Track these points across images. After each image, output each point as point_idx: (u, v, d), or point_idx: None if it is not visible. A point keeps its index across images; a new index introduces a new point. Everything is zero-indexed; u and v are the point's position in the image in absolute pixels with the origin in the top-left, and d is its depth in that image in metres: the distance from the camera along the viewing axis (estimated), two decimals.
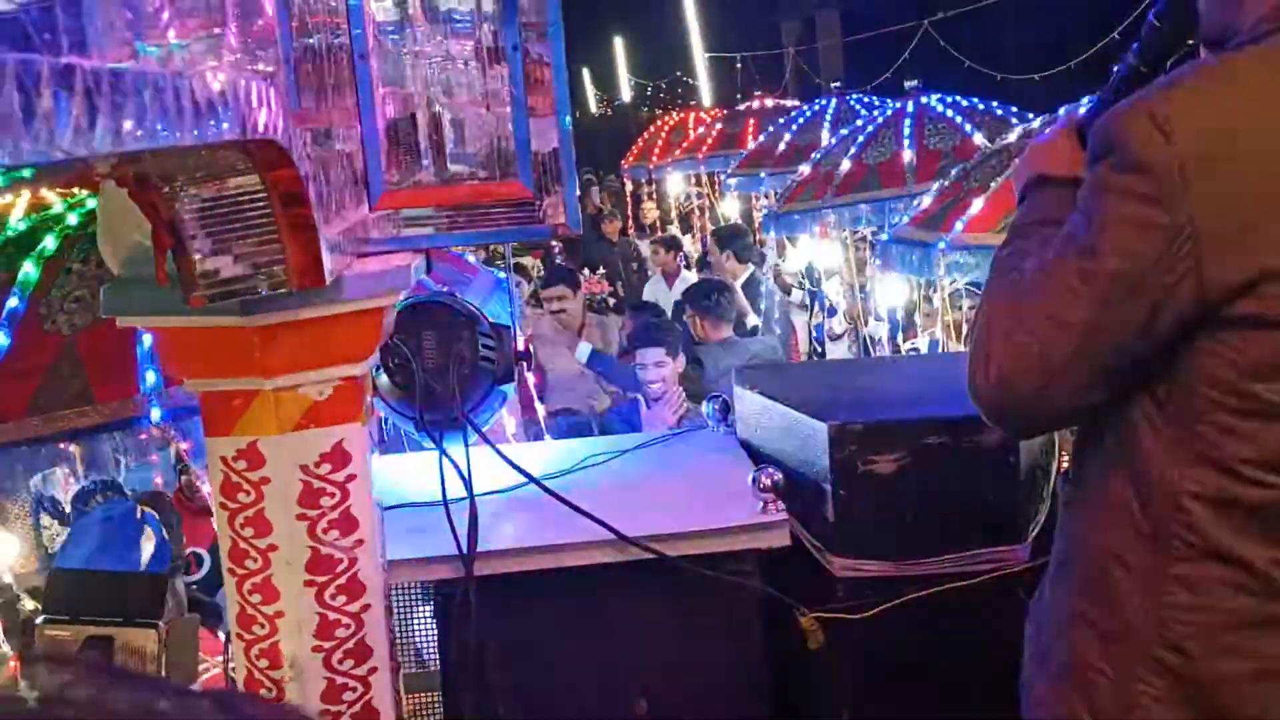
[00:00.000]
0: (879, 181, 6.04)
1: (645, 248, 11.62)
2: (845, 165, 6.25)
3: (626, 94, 23.93)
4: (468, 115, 2.07)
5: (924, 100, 6.43)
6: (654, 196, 13.80)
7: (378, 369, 2.36)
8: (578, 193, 2.08)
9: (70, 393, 3.19)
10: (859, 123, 6.97)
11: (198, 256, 1.50)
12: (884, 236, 5.80)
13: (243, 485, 1.85)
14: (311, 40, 1.86)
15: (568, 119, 2.04)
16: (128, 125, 0.91)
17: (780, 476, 2.41)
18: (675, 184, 13.20)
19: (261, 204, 1.49)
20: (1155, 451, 1.37)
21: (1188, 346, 1.31)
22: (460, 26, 2.08)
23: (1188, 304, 1.28)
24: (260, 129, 1.27)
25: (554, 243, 11.04)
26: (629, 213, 13.83)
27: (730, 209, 11.61)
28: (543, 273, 8.89)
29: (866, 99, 8.87)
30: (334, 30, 1.94)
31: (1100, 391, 1.38)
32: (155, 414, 3.09)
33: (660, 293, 9.58)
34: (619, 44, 23.48)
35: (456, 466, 2.30)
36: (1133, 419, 1.39)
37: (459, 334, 2.38)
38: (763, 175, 8.91)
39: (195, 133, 1.06)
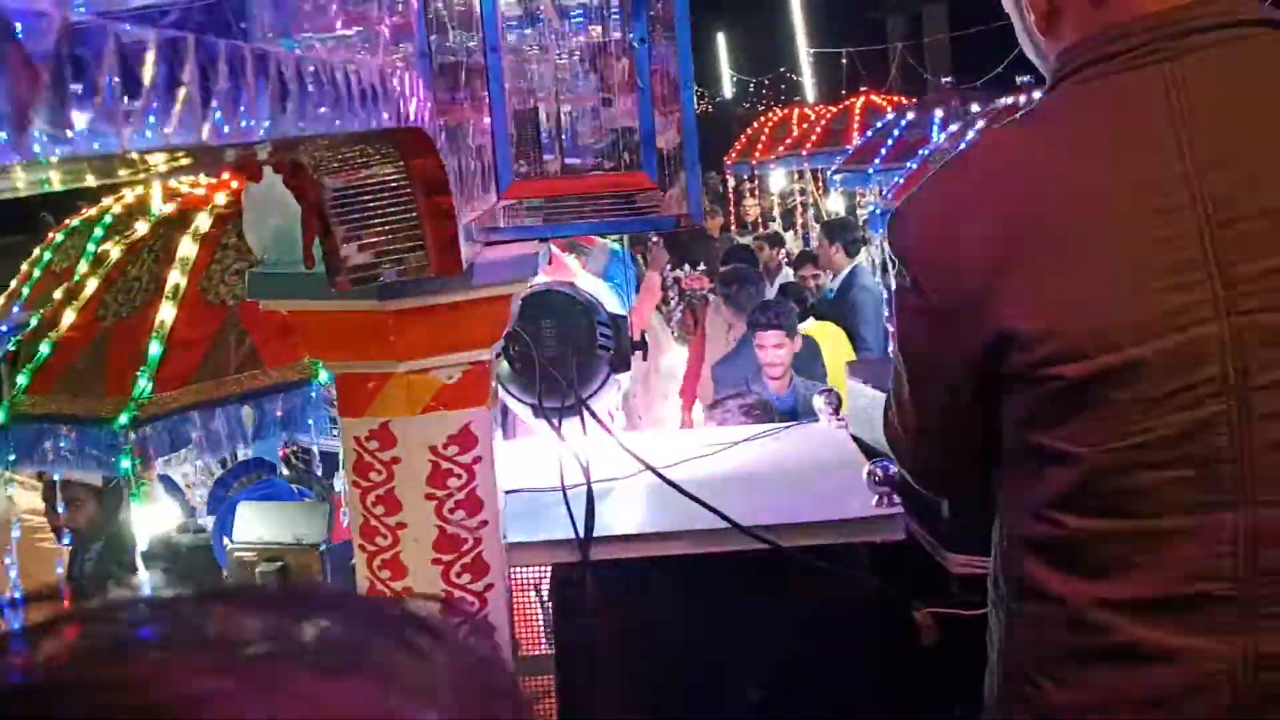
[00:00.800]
0: None
1: (749, 243, 11.59)
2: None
3: (728, 91, 23.89)
4: (592, 107, 2.10)
5: (1035, 95, 6.30)
6: (756, 193, 13.77)
7: (498, 355, 2.41)
8: (700, 184, 2.10)
9: (239, 358, 3.35)
10: (969, 118, 6.87)
11: (344, 242, 1.55)
12: None
13: (374, 464, 1.91)
14: (444, 34, 1.91)
15: (693, 110, 2.06)
16: (294, 110, 0.96)
17: (895, 470, 2.40)
18: (778, 181, 13.15)
19: (404, 191, 1.54)
20: (1000, 499, 1.46)
21: (997, 404, 1.37)
22: (584, 20, 2.12)
23: (966, 370, 1.36)
24: (410, 118, 1.32)
25: (654, 238, 11.08)
26: (730, 209, 13.82)
27: (835, 205, 11.53)
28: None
29: (979, 95, 8.73)
30: (465, 23, 1.99)
31: (964, 460, 1.49)
32: (324, 375, 3.22)
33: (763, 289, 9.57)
34: (721, 40, 23.44)
35: (576, 456, 2.34)
36: (996, 473, 1.47)
37: (577, 322, 2.42)
38: (870, 171, 8.84)
39: (355, 120, 1.10)
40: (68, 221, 5.41)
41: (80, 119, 0.55)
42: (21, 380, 3.42)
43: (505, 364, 2.43)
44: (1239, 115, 1.23)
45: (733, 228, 13.27)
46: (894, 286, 1.45)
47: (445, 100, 1.92)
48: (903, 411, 1.51)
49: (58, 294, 3.90)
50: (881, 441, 2.76)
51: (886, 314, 6.78)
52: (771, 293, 9.44)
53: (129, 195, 5.11)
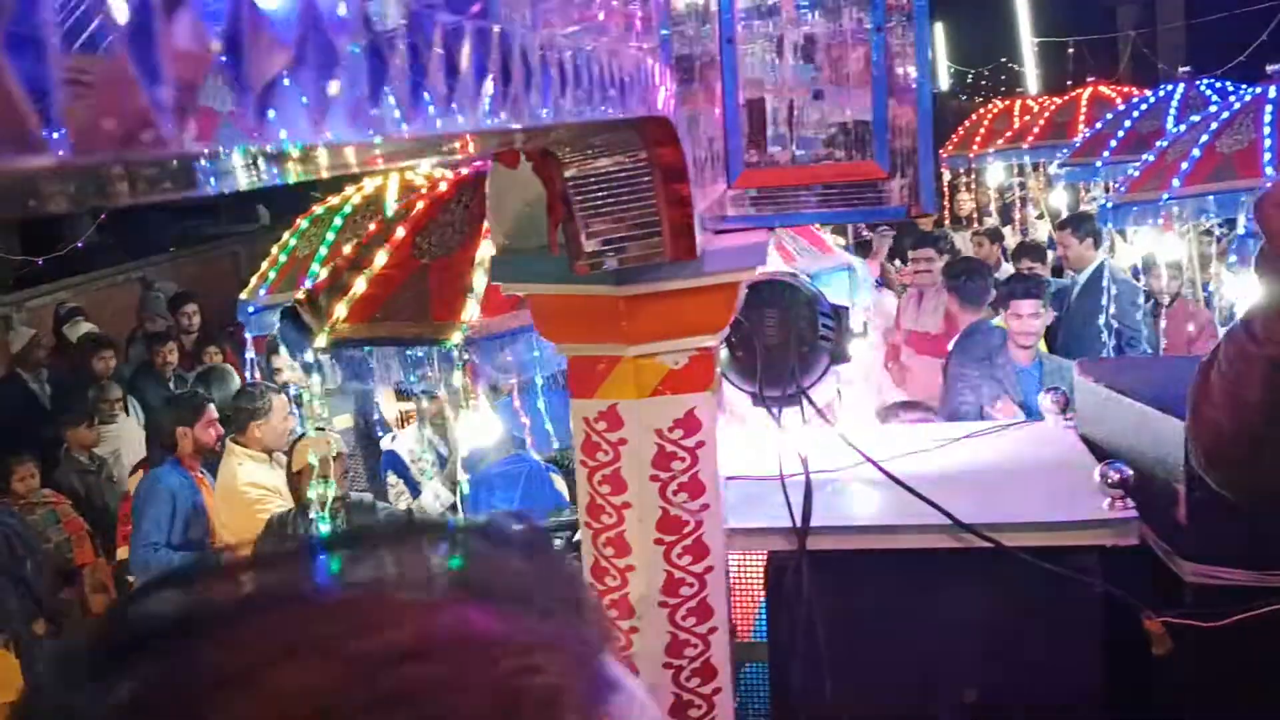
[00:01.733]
0: (1234, 171, 5.60)
1: (959, 239, 11.30)
2: (1195, 153, 5.83)
3: (945, 82, 23.26)
4: (826, 96, 2.10)
5: None
6: (971, 187, 13.38)
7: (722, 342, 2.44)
8: (934, 174, 2.08)
9: (412, 306, 3.61)
10: (1212, 109, 6.48)
11: (584, 227, 1.61)
12: (1239, 231, 5.43)
13: (602, 445, 1.97)
14: (681, 25, 1.95)
15: (929, 100, 2.04)
16: (554, 99, 1.01)
17: (1130, 472, 2.31)
18: (995, 174, 12.73)
19: (644, 179, 1.59)
20: None
21: None
22: (817, 9, 2.11)
23: None
24: (659, 108, 1.36)
25: (883, 228, 10.92)
26: (945, 203, 13.47)
27: (1058, 200, 11.08)
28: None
29: (1219, 85, 8.25)
30: (701, 15, 2.02)
31: None
32: (457, 337, 3.50)
33: None
34: (939, 30, 22.84)
35: (796, 447, 2.35)
36: None
37: (800, 312, 2.42)
38: (1098, 164, 8.44)
39: (611, 109, 1.14)
40: (313, 209, 5.75)
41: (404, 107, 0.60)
42: (340, 310, 3.74)
43: (726, 351, 2.46)
44: None
45: (946, 222, 12.94)
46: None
47: (682, 90, 1.95)
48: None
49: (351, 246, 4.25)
50: (1114, 441, 2.68)
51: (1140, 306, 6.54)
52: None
53: (368, 187, 5.40)
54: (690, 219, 1.63)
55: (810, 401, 2.41)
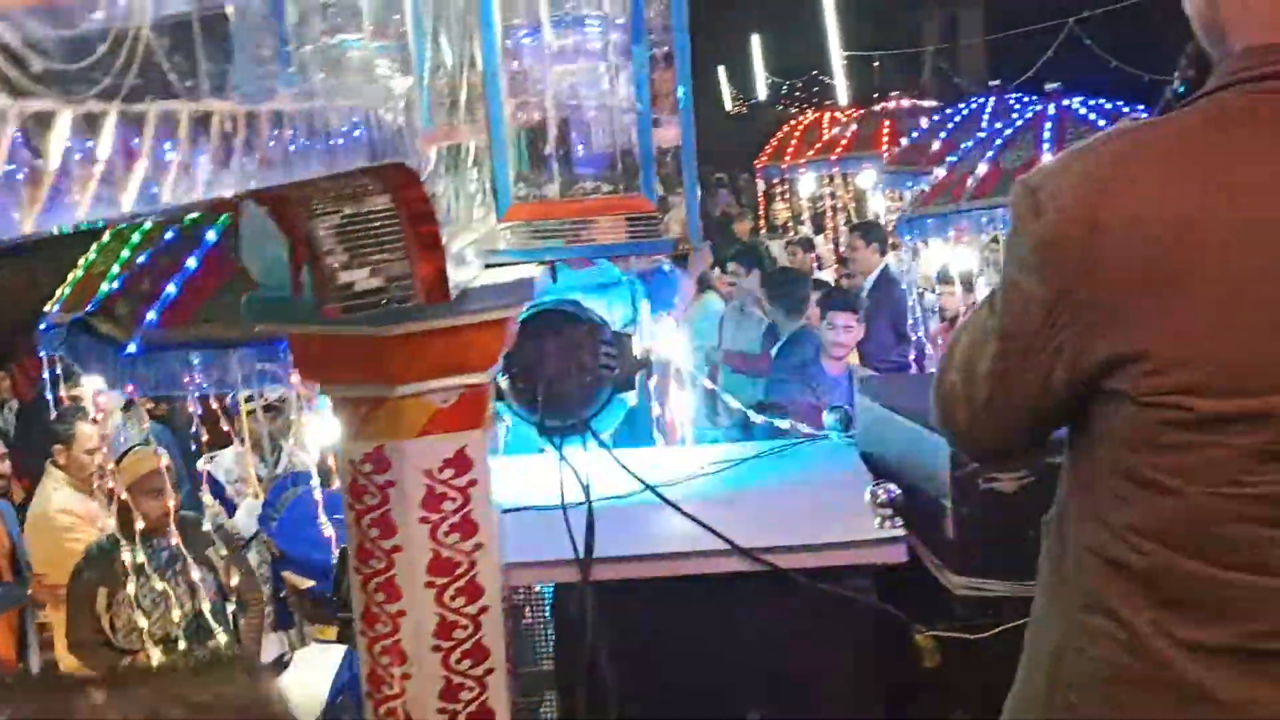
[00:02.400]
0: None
1: (776, 248, 11.58)
2: (981, 169, 6.12)
3: (762, 93, 23.82)
4: (594, 125, 2.11)
5: (1065, 103, 6.25)
6: (787, 197, 13.73)
7: (502, 374, 2.42)
8: (699, 206, 2.10)
9: (234, 309, 3.52)
10: (998, 125, 6.81)
11: (332, 271, 1.57)
12: None
13: (369, 488, 1.93)
14: (445, 55, 1.92)
15: (691, 134, 2.06)
16: (262, 163, 0.97)
17: (898, 492, 2.39)
18: (808, 185, 13.10)
19: (392, 222, 1.55)
20: (1070, 504, 1.40)
21: (1086, 410, 1.30)
22: (588, 37, 2.12)
23: (1069, 373, 1.28)
24: (389, 154, 1.33)
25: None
26: (761, 212, 13.79)
27: (877, 205, 11.47)
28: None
29: (1027, 97, 8.61)
30: (466, 45, 2.00)
31: (1023, 438, 1.43)
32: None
33: None
34: (755, 42, 23.37)
35: (575, 472, 2.35)
36: (1062, 471, 1.42)
37: (581, 341, 2.42)
38: (918, 172, 8.77)
39: (327, 165, 1.11)
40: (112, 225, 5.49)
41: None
42: (151, 315, 3.56)
43: (508, 381, 2.45)
44: None
45: (762, 231, 13.25)
46: (1009, 253, 1.35)
47: (444, 122, 1.93)
48: (972, 383, 1.41)
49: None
50: (891, 459, 2.77)
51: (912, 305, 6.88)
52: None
53: None
54: (441, 262, 1.61)
55: (593, 432, 2.41)
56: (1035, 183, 1.30)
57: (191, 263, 3.64)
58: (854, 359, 6.00)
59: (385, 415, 1.90)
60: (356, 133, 1.21)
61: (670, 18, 2.05)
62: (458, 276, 1.78)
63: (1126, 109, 6.43)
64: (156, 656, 4.17)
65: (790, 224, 13.49)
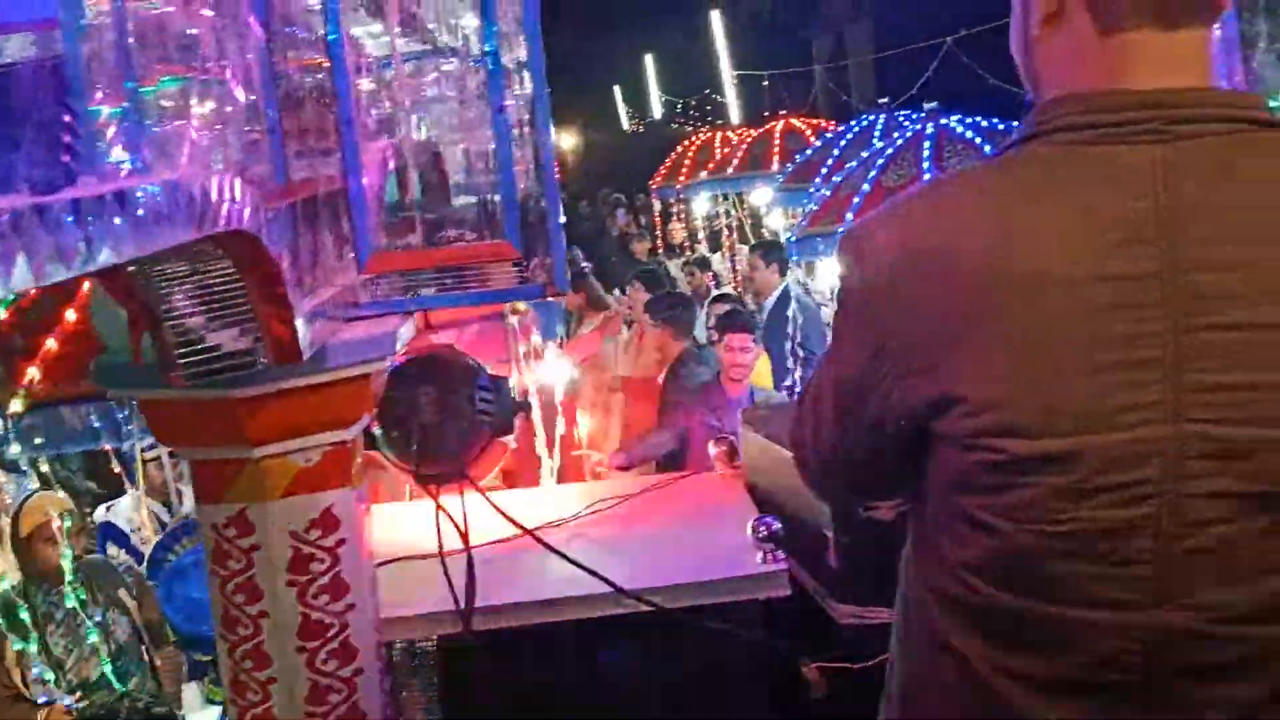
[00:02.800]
0: None
1: (674, 267, 11.62)
2: (865, 188, 6.22)
3: (658, 111, 23.98)
4: (457, 173, 2.09)
5: (943, 122, 6.38)
6: (682, 216, 13.80)
7: (377, 423, 2.37)
8: (565, 251, 2.09)
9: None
10: (879, 145, 6.92)
11: (175, 338, 1.52)
12: None
13: (232, 552, 1.87)
14: (301, 106, 1.89)
15: (554, 179, 2.05)
16: (112, 241, 0.93)
17: (778, 526, 2.40)
18: (702, 204, 13.20)
19: (238, 286, 1.51)
20: (914, 544, 1.42)
21: (921, 452, 1.33)
22: (449, 83, 2.10)
23: (900, 417, 1.31)
24: (230, 222, 1.29)
25: (584, 264, 11.08)
26: (658, 232, 13.84)
27: (776, 223, 11.57)
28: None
29: (916, 115, 8.76)
30: (321, 96, 1.96)
31: (877, 483, 1.47)
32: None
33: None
34: (649, 61, 23.55)
35: (454, 521, 2.31)
36: (909, 511, 1.44)
37: (457, 387, 2.39)
38: (811, 190, 8.85)
39: (167, 239, 1.07)
40: None
41: None
42: (32, 372, 3.41)
43: (381, 431, 2.40)
44: (1225, 217, 1.19)
45: (660, 250, 13.29)
46: (836, 315, 1.39)
47: (299, 175, 1.89)
48: (819, 434, 1.44)
49: None
50: (776, 491, 2.78)
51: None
52: (703, 316, 9.50)
53: None
54: (291, 323, 1.57)
55: (469, 479, 2.38)
56: (856, 233, 1.33)
57: (70, 314, 3.51)
58: (766, 381, 5.99)
59: (246, 477, 1.85)
60: (195, 207, 1.17)
61: (530, 65, 2.03)
62: (311, 337, 1.74)
63: (1003, 126, 6.59)
64: (72, 705, 4.02)
65: (687, 244, 13.56)
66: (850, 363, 1.34)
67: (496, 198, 2.04)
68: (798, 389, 6.47)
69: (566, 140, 26.07)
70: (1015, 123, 7.01)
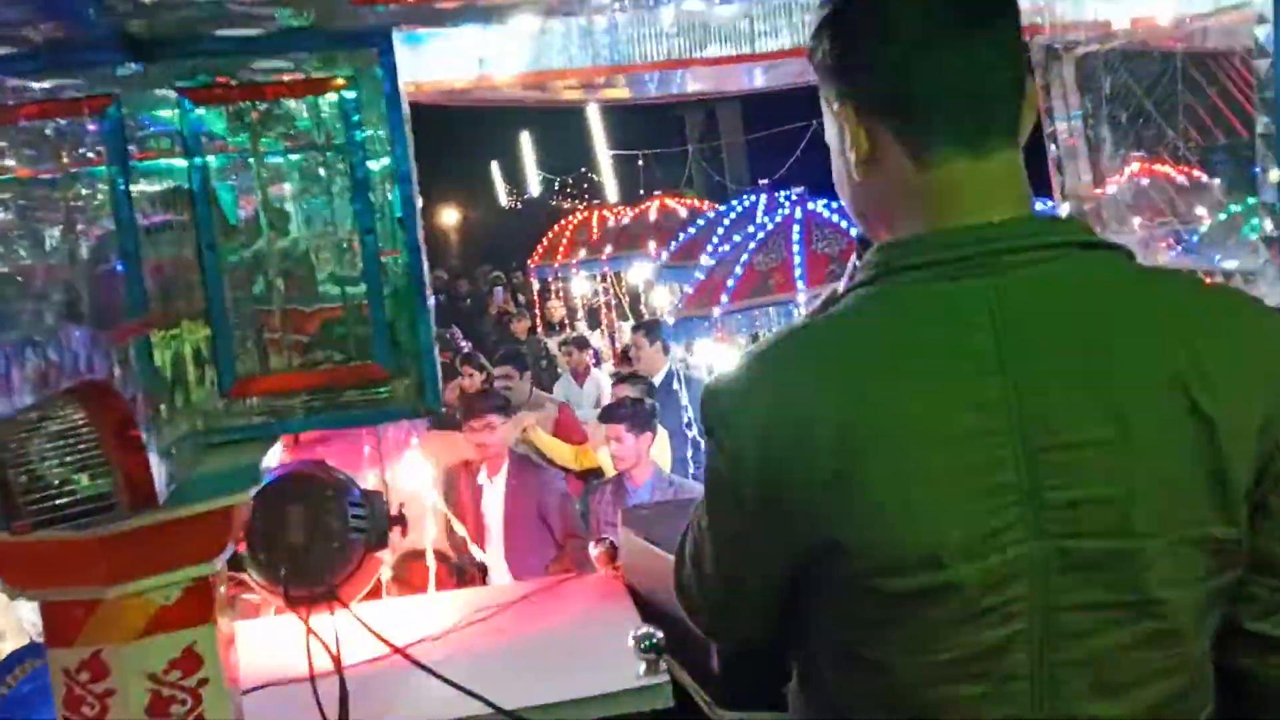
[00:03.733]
0: (771, 287, 6.13)
1: (553, 345, 11.63)
2: (738, 270, 6.33)
3: (536, 189, 24.11)
4: (321, 295, 2.05)
5: (811, 206, 6.56)
6: (561, 295, 13.87)
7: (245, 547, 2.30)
8: (438, 371, 2.07)
9: None
10: (751, 229, 7.07)
11: (20, 484, 1.45)
12: None
13: (86, 698, 1.78)
14: (160, 232, 1.85)
15: (426, 299, 2.03)
16: None
17: (660, 636, 2.38)
18: (580, 283, 13.28)
19: (88, 431, 1.45)
20: (799, 677, 1.45)
21: (805, 594, 1.35)
22: (316, 206, 2.07)
23: (779, 564, 1.33)
24: (79, 371, 1.24)
25: (463, 343, 11.01)
26: (537, 310, 13.87)
27: (660, 300, 11.65)
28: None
29: (794, 195, 8.96)
30: (181, 224, 1.92)
31: (757, 624, 1.43)
32: None
33: (571, 391, 9.59)
34: (526, 138, 23.69)
35: (324, 644, 2.24)
36: (792, 649, 1.46)
37: (326, 505, 2.33)
38: (697, 267, 8.94)
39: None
40: None
41: None
42: None
43: (248, 553, 2.32)
44: (1056, 340, 1.24)
45: (539, 329, 13.31)
46: (707, 468, 1.38)
47: (158, 305, 1.84)
48: (704, 583, 1.44)
49: None
50: (657, 593, 2.76)
51: None
52: (584, 394, 9.49)
53: None
54: (145, 465, 1.51)
55: (340, 600, 2.31)
56: (718, 388, 1.35)
57: None
58: (664, 460, 5.96)
59: (100, 619, 1.76)
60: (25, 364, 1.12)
61: (399, 180, 2.02)
62: (175, 467, 1.68)
63: None
64: None
65: (566, 322, 13.60)
66: (725, 519, 1.35)
67: (365, 319, 2.01)
68: (693, 469, 6.46)
69: (447, 217, 26.00)
70: None
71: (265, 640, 2.58)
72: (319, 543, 2.32)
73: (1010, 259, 1.25)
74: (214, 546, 1.84)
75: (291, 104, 2.01)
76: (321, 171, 2.04)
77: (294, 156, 2.04)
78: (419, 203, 2.08)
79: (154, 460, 1.59)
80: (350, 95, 1.98)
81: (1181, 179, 2.64)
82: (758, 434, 1.28)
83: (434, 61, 2.42)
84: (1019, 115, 1.30)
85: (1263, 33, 2.26)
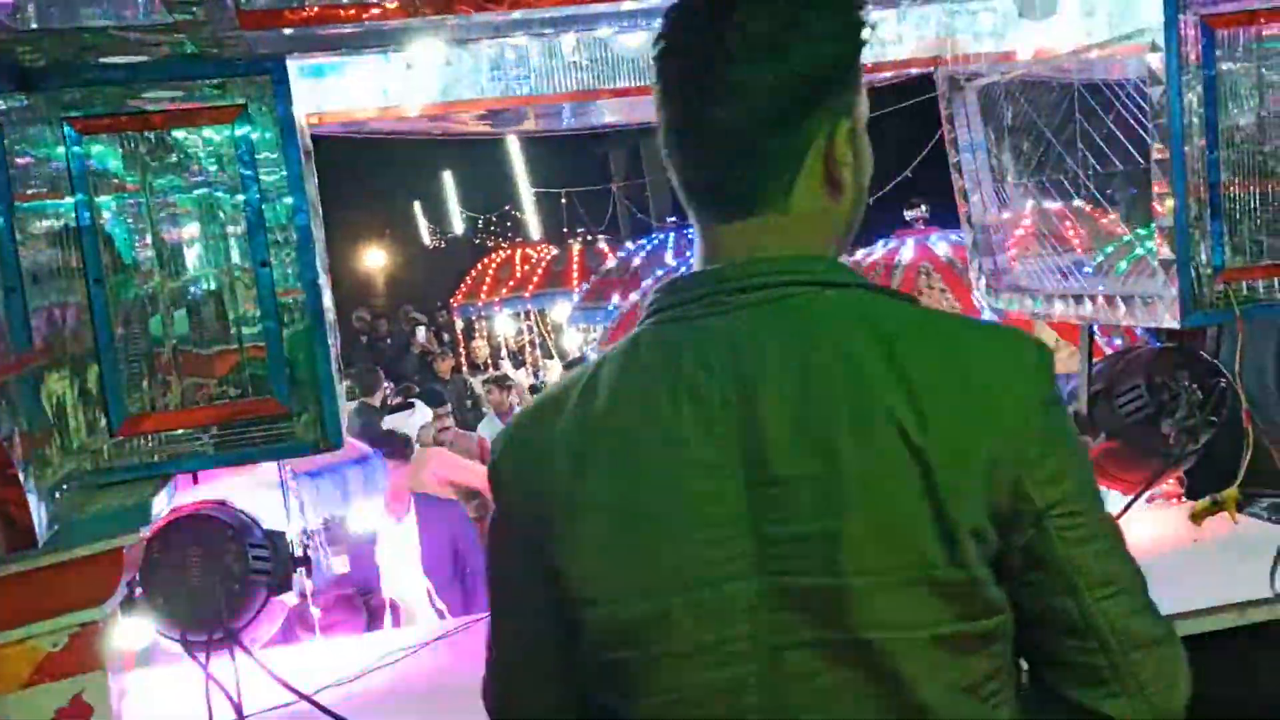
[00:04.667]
0: None
1: (478, 384, 11.54)
2: None
3: (459, 227, 24.01)
4: (219, 335, 2.00)
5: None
6: (485, 333, 13.80)
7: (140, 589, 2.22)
8: (339, 406, 2.02)
9: None
10: (660, 272, 7.10)
11: None
12: None
13: None
14: (48, 267, 1.80)
15: (326, 333, 1.99)
16: None
17: None
18: (504, 321, 13.23)
19: None
20: None
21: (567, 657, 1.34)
22: (210, 243, 2.02)
23: (541, 611, 1.31)
24: None
25: (387, 383, 10.87)
26: (461, 349, 13.77)
27: (571, 341, 11.64)
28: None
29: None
30: (68, 260, 1.86)
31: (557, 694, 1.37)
32: None
33: (495, 431, 9.51)
34: (448, 177, 23.60)
35: (226, 692, 2.17)
36: None
37: (227, 547, 2.26)
38: (610, 307, 8.96)
39: None
40: None
41: None
42: None
43: (145, 597, 2.25)
44: (779, 376, 1.24)
45: (464, 368, 13.21)
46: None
47: (42, 341, 1.78)
48: (490, 651, 1.39)
49: None
50: None
51: None
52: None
53: None
54: (24, 504, 1.45)
55: (240, 644, 2.24)
56: (493, 456, 1.36)
57: None
58: None
59: None
60: None
61: (296, 213, 1.98)
62: (58, 508, 1.62)
63: None
64: None
65: (491, 360, 13.53)
66: (498, 571, 1.35)
67: (264, 354, 1.96)
68: None
69: (371, 258, 25.77)
70: None
71: (163, 689, 2.49)
72: (218, 586, 2.25)
73: (743, 298, 1.26)
74: (102, 590, 1.77)
75: (184, 135, 1.97)
76: (216, 205, 1.99)
77: (188, 191, 1.99)
78: (320, 235, 2.05)
79: (34, 501, 1.53)
80: (244, 125, 1.94)
81: (1081, 205, 2.69)
82: (513, 464, 1.31)
83: (337, 92, 2.39)
84: (792, 182, 1.28)
85: (1156, 61, 2.32)
